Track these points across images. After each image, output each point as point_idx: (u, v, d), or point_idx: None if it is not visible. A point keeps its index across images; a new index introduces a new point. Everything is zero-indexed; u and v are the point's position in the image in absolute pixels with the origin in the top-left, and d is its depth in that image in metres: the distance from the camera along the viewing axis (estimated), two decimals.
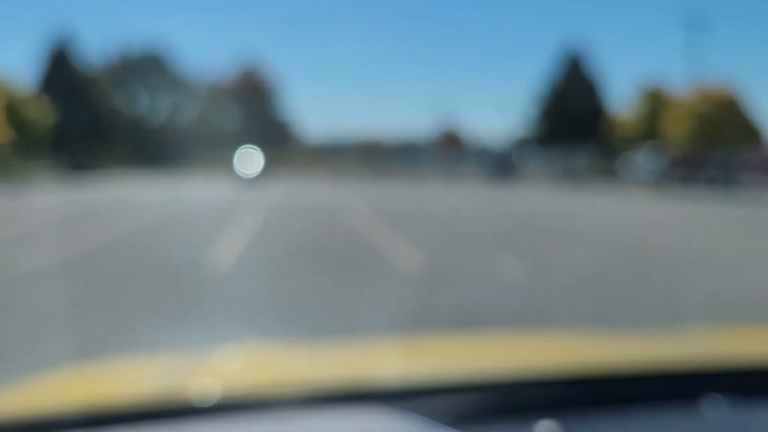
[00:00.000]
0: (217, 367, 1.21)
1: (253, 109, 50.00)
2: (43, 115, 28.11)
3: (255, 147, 32.40)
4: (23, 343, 3.84)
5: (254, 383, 1.00)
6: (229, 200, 16.96)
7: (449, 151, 45.85)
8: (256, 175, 28.75)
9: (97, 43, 71.02)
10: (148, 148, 48.54)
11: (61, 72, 34.64)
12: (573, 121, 35.77)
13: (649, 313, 4.79)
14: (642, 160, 33.73)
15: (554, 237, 9.76)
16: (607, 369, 1.02)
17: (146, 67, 49.87)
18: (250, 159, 30.50)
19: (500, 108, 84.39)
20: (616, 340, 1.53)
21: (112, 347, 3.75)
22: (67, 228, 10.26)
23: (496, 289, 5.59)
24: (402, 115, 77.88)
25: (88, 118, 36.17)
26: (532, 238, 9.54)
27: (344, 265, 6.90)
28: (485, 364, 1.10)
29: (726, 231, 11.39)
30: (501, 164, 33.72)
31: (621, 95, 50.39)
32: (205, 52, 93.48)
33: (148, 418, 0.84)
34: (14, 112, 25.93)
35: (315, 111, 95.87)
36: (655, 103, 27.68)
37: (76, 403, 0.89)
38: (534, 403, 0.91)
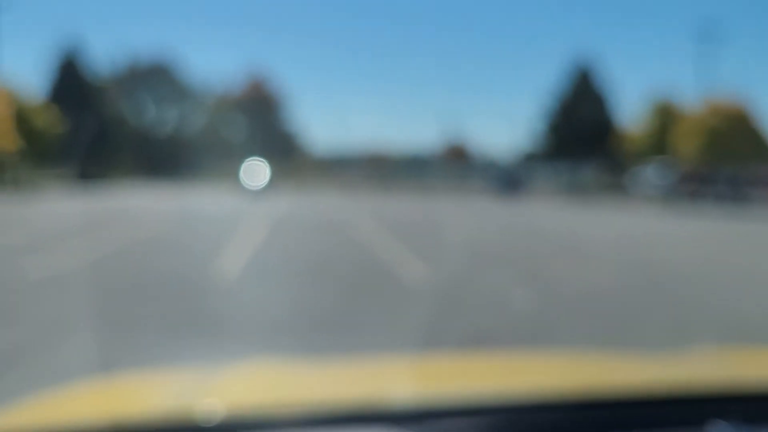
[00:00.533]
0: (224, 385, 1.23)
1: (260, 121, 50.24)
2: (52, 124, 28.38)
3: (261, 159, 32.29)
4: (31, 349, 3.88)
5: (261, 402, 1.02)
6: (235, 212, 16.96)
7: (456, 164, 45.77)
8: (262, 187, 28.68)
9: (106, 53, 71.75)
10: (156, 159, 48.75)
11: (70, 82, 34.97)
12: (581, 134, 35.66)
13: (657, 331, 4.78)
14: (651, 174, 33.54)
15: (560, 254, 9.73)
16: (615, 393, 1.04)
17: (154, 78, 50.25)
18: (256, 171, 30.38)
19: (508, 121, 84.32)
20: (624, 362, 1.54)
21: (118, 355, 3.79)
22: (76, 237, 10.33)
23: (504, 307, 5.59)
24: (409, 127, 77.94)
25: (97, 128, 36.42)
26: (538, 256, 9.51)
27: (352, 282, 6.90)
28: (494, 387, 1.12)
29: (735, 249, 11.34)
30: (508, 178, 33.37)
31: (630, 109, 50.17)
32: (213, 63, 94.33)
33: None
34: (24, 121, 26.17)
35: (322, 123, 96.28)
36: (665, 117, 27.56)
37: (85, 421, 0.91)
38: (542, 427, 0.92)
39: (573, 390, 1.00)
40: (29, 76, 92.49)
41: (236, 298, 5.83)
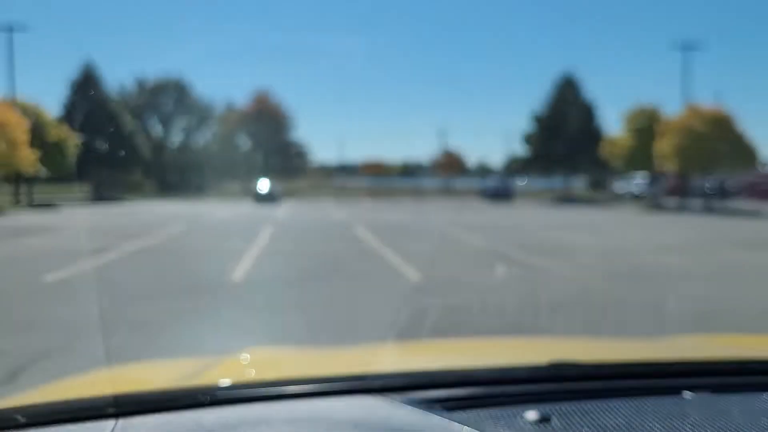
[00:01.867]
0: (230, 364, 1.25)
1: (266, 134, 50.37)
2: (67, 141, 28.30)
3: (268, 175, 34.09)
4: (56, 349, 3.94)
5: (263, 377, 1.04)
6: (248, 219, 17.61)
7: (450, 172, 46.00)
8: (270, 196, 29.87)
9: (121, 71, 71.90)
10: (168, 174, 48.83)
11: (85, 99, 35.01)
12: (568, 142, 35.80)
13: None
14: (634, 181, 33.70)
15: (535, 245, 9.81)
16: (595, 365, 1.05)
17: (167, 95, 50.37)
18: (264, 186, 31.80)
19: (499, 132, 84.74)
20: (603, 341, 1.55)
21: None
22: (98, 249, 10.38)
23: (487, 290, 5.68)
24: (407, 139, 78.42)
25: (111, 144, 36.51)
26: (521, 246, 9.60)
27: (352, 272, 6.97)
28: (476, 360, 1.13)
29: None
30: (498, 184, 34.23)
31: (616, 118, 50.39)
32: (222, 79, 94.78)
33: (169, 406, 0.86)
34: (40, 138, 26.18)
35: (325, 134, 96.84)
36: (650, 124, 27.45)
37: (103, 392, 0.93)
38: (523, 394, 0.92)
39: (552, 362, 1.01)
40: (45, 93, 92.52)
41: (252, 289, 5.90)
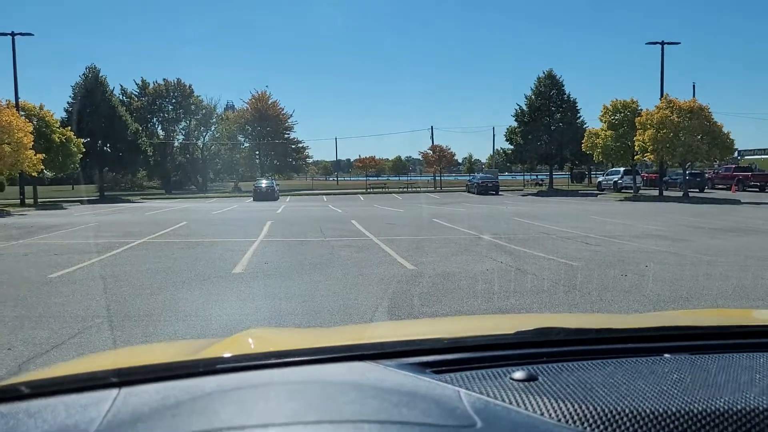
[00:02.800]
0: (231, 342, 1.24)
1: (265, 132, 50.17)
2: (72, 142, 28.00)
3: (267, 173, 34.39)
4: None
5: (263, 349, 1.03)
6: (253, 214, 17.69)
7: (441, 166, 46.12)
8: (269, 194, 29.89)
9: (123, 73, 71.20)
10: (170, 172, 48.49)
11: (90, 101, 34.58)
12: (551, 137, 35.89)
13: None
14: (615, 173, 33.88)
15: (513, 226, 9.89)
16: (578, 329, 1.05)
17: (167, 96, 49.95)
18: (263, 181, 31.99)
19: (488, 127, 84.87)
20: (586, 315, 1.56)
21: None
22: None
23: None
24: (400, 135, 78.46)
25: (115, 145, 36.22)
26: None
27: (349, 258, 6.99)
28: (466, 328, 1.13)
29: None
30: (485, 179, 34.70)
31: (598, 113, 50.62)
32: (223, 80, 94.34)
33: (171, 375, 0.85)
34: (45, 139, 25.96)
35: (321, 132, 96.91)
36: (629, 117, 27.45)
37: (108, 366, 0.92)
38: (511, 357, 0.92)
39: (541, 329, 1.01)
40: (50, 95, 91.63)
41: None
